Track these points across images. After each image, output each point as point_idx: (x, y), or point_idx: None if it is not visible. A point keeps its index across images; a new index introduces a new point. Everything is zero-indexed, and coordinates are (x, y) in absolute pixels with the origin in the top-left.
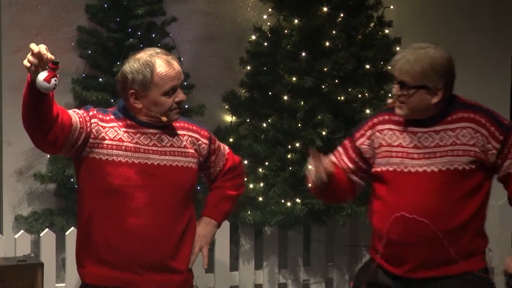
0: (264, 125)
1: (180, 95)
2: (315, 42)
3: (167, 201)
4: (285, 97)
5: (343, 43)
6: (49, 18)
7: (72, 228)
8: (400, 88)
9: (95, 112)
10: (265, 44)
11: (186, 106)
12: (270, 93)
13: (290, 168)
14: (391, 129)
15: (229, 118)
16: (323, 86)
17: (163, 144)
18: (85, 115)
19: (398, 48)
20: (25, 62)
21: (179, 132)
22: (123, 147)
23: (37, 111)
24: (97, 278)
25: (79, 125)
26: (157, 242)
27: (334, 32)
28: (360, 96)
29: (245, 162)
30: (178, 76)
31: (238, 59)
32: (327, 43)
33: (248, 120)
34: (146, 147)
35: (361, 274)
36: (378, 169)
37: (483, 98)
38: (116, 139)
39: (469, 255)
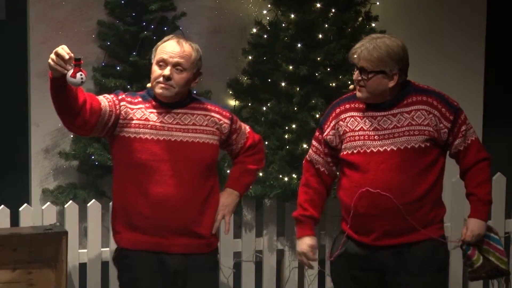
0: (264, 108)
1: (166, 71)
2: (309, 34)
3: (190, 173)
4: (283, 84)
5: (334, 35)
6: (72, 13)
7: (93, 200)
8: (360, 74)
9: (124, 96)
10: (265, 36)
11: (195, 92)
12: (269, 80)
13: (287, 147)
14: (352, 116)
15: (232, 102)
16: (316, 74)
17: (186, 122)
18: (114, 99)
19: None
20: (49, 61)
21: (202, 112)
22: (149, 125)
23: (62, 102)
24: (130, 242)
25: (108, 109)
26: (181, 210)
27: (326, 25)
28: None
29: None
30: (172, 54)
31: (241, 50)
32: (320, 36)
33: (249, 104)
34: (170, 125)
35: (334, 245)
36: (345, 153)
37: (460, 84)
38: (142, 119)
39: (428, 224)
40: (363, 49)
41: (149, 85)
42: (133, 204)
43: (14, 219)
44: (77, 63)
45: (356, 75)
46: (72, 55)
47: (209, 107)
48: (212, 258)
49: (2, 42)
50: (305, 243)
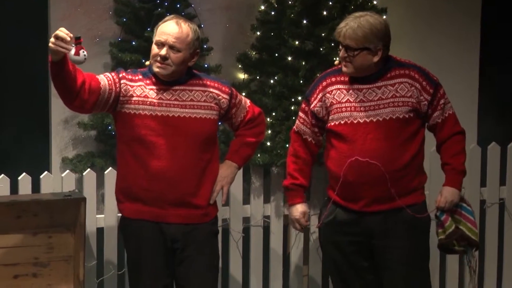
0: (271, 81)
1: (162, 51)
2: (314, 11)
3: (187, 147)
4: (289, 58)
5: (338, 12)
6: None
7: (110, 168)
8: (345, 51)
9: (124, 74)
10: (272, 13)
11: (206, 65)
12: (276, 55)
13: (293, 118)
14: (338, 89)
15: (242, 76)
16: (321, 49)
17: (184, 99)
18: (115, 77)
19: (384, 17)
20: (50, 45)
21: (200, 88)
22: (148, 102)
23: (62, 84)
24: (132, 212)
25: (107, 88)
26: (178, 182)
27: (330, 3)
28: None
29: None
30: (169, 36)
31: (250, 26)
32: (325, 12)
33: (258, 77)
34: (168, 102)
35: (321, 213)
36: (332, 124)
37: (456, 61)
38: (142, 95)
39: (413, 190)
40: (348, 28)
41: (147, 62)
42: (133, 177)
43: (35, 186)
44: (78, 42)
45: (342, 52)
46: (71, 35)
47: (208, 83)
48: (210, 227)
49: (24, 18)
50: (298, 210)
